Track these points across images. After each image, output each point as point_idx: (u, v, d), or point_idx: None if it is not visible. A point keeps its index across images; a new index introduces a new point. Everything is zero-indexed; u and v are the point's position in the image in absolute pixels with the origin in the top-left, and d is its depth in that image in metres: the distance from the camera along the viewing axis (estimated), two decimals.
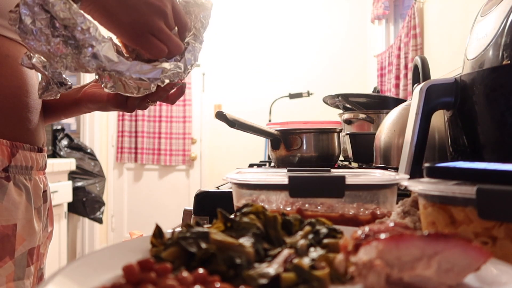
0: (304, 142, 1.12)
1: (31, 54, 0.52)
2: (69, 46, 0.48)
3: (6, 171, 0.65)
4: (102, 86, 0.56)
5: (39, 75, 0.57)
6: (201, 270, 0.26)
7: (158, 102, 0.69)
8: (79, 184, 3.09)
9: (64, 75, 0.56)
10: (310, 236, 0.33)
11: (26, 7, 0.46)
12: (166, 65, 0.55)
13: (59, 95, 0.58)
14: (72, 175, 3.02)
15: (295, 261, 0.28)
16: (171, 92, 0.66)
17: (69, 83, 0.57)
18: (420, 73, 0.84)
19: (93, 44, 0.48)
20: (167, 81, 0.56)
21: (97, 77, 0.58)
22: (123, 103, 0.67)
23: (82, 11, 0.48)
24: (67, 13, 0.46)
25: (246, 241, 0.30)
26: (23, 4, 0.46)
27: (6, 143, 0.65)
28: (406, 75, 2.35)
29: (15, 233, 0.65)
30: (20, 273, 0.66)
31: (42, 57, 0.52)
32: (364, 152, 1.16)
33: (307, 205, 0.47)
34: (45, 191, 0.75)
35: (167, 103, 0.68)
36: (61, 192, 2.72)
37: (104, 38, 0.49)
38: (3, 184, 0.64)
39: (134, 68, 0.51)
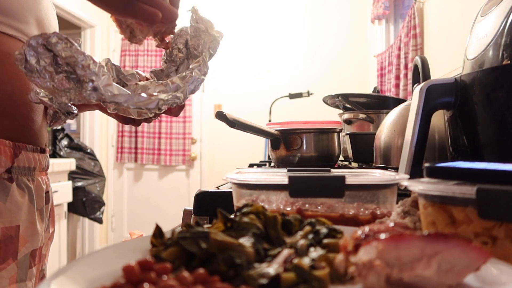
0: (304, 142, 1.12)
1: (38, 90, 0.55)
2: (71, 81, 0.52)
3: (9, 172, 0.64)
4: (106, 107, 0.58)
5: None
6: (201, 270, 0.26)
7: None
8: (79, 184, 3.09)
9: (70, 104, 0.58)
10: (310, 236, 0.33)
11: (31, 48, 0.50)
12: (163, 96, 0.57)
13: (66, 121, 0.60)
14: (72, 175, 3.02)
15: (295, 261, 0.28)
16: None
17: (75, 111, 0.61)
18: (420, 73, 0.84)
19: (93, 79, 0.51)
20: (164, 107, 0.58)
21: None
22: (131, 120, 0.70)
23: (82, 49, 0.51)
24: (69, 52, 0.50)
25: (246, 241, 0.30)
26: (28, 46, 0.50)
27: (9, 144, 0.64)
28: (406, 75, 2.35)
29: (18, 235, 0.65)
30: (22, 274, 0.66)
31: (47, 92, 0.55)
32: (364, 152, 1.16)
33: (307, 205, 0.47)
34: (47, 192, 0.75)
35: (170, 116, 0.70)
36: (61, 192, 2.72)
37: (104, 71, 0.53)
38: (6, 185, 0.64)
39: (132, 100, 0.54)
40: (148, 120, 0.69)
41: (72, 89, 0.52)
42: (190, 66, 0.62)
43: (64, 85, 0.52)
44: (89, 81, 0.51)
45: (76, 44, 0.51)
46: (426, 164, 0.39)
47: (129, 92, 0.54)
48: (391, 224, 0.31)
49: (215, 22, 0.66)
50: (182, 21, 0.63)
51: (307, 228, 0.34)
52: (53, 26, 0.75)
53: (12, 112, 0.66)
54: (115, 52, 4.26)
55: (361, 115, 1.37)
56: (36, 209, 0.70)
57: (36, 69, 0.51)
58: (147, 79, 0.70)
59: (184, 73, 0.61)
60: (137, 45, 4.58)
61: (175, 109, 0.69)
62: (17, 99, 0.66)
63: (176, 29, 0.66)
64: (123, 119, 0.71)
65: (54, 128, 3.17)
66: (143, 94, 0.56)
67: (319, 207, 0.47)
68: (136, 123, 0.70)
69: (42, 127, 0.74)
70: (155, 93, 0.58)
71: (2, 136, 0.64)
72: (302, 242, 0.32)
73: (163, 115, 0.68)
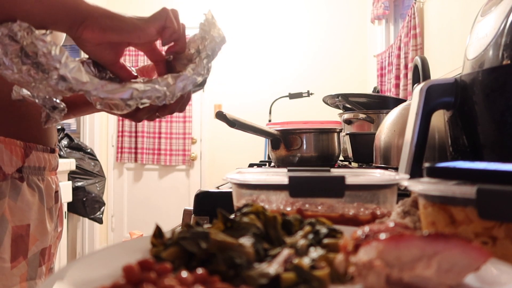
0: (304, 142, 1.12)
1: (17, 87, 0.54)
2: (39, 71, 0.50)
3: (20, 172, 0.65)
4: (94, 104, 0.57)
5: None
6: (201, 270, 0.26)
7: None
8: (79, 184, 3.09)
9: (55, 99, 0.57)
10: (310, 236, 0.33)
11: None
12: (138, 86, 0.54)
13: (60, 120, 0.59)
14: (72, 175, 3.02)
15: (295, 261, 0.28)
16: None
17: (62, 106, 0.58)
18: (420, 73, 0.84)
19: (56, 66, 0.49)
20: (145, 101, 0.55)
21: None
22: (130, 114, 0.66)
23: (43, 36, 0.50)
24: (29, 39, 0.49)
25: (246, 241, 0.30)
26: None
27: (20, 144, 0.65)
28: (406, 75, 2.35)
29: (29, 233, 0.66)
30: (32, 273, 0.66)
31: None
32: (364, 152, 1.16)
33: (307, 205, 0.47)
34: (56, 192, 0.76)
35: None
36: (61, 192, 2.71)
37: (73, 60, 0.51)
38: (17, 185, 0.64)
39: (101, 89, 0.52)
40: (150, 118, 0.66)
41: (43, 80, 0.50)
42: (187, 67, 0.60)
43: (32, 76, 0.50)
44: (53, 69, 0.49)
45: (37, 32, 0.50)
46: (426, 164, 0.39)
47: (100, 81, 0.52)
48: (391, 224, 0.31)
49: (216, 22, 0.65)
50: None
51: (307, 228, 0.34)
52: None
53: (23, 112, 0.66)
54: None
55: (361, 115, 1.37)
56: (46, 208, 0.70)
57: (2, 61, 0.49)
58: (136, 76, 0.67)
59: (179, 73, 0.59)
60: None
61: (172, 106, 0.65)
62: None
63: (191, 35, 0.65)
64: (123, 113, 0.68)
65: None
66: (116, 83, 0.53)
67: (319, 207, 0.47)
68: (136, 118, 0.66)
69: (52, 127, 0.74)
70: (133, 84, 0.55)
71: (13, 136, 0.64)
72: (302, 242, 0.32)
73: None
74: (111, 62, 0.59)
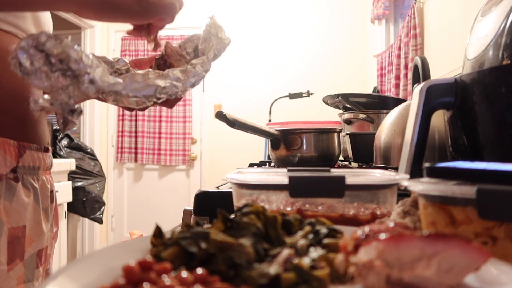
0: (304, 142, 1.12)
1: (35, 98, 0.56)
2: (68, 77, 0.52)
3: (14, 172, 0.64)
4: (106, 100, 0.58)
5: None
6: (201, 270, 0.26)
7: None
8: (79, 184, 3.09)
9: (70, 103, 0.58)
10: (310, 236, 0.33)
11: (23, 51, 0.51)
12: (161, 82, 0.57)
13: (77, 123, 0.60)
14: (72, 175, 3.02)
15: (295, 261, 0.28)
16: None
17: (79, 109, 0.60)
18: (420, 73, 0.84)
19: (88, 71, 0.52)
20: (163, 97, 0.58)
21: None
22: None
23: (71, 43, 0.52)
24: (60, 48, 0.51)
25: (246, 241, 0.30)
26: (20, 49, 0.51)
27: (13, 143, 0.64)
28: (406, 75, 2.35)
29: (25, 235, 0.65)
30: (29, 274, 0.65)
31: (46, 96, 0.55)
32: (364, 152, 1.16)
33: (307, 205, 0.47)
34: (51, 191, 0.75)
35: (166, 107, 0.69)
36: (61, 192, 2.72)
37: (98, 63, 0.53)
38: (12, 185, 0.63)
39: (129, 87, 0.55)
40: (142, 108, 0.68)
41: (70, 85, 0.52)
42: (192, 61, 0.62)
43: (61, 82, 0.52)
44: (84, 74, 0.51)
45: (65, 40, 0.52)
46: (426, 164, 0.39)
47: (125, 80, 0.54)
48: (391, 224, 0.31)
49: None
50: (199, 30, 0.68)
51: (307, 228, 0.34)
52: (48, 20, 0.74)
53: (15, 110, 0.65)
54: (115, 52, 4.26)
55: (361, 115, 1.37)
56: (41, 208, 0.69)
57: (31, 71, 0.51)
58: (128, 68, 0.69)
59: (185, 67, 0.61)
60: (137, 45, 4.56)
61: (171, 101, 0.67)
62: (19, 96, 0.65)
63: (189, 35, 0.69)
64: None
65: (54, 127, 3.16)
66: (140, 81, 0.56)
67: (319, 207, 0.47)
68: (129, 108, 0.69)
69: (45, 126, 0.73)
70: (155, 80, 0.57)
71: (6, 136, 0.63)
72: (302, 242, 0.32)
73: (163, 114, 0.67)
74: None
